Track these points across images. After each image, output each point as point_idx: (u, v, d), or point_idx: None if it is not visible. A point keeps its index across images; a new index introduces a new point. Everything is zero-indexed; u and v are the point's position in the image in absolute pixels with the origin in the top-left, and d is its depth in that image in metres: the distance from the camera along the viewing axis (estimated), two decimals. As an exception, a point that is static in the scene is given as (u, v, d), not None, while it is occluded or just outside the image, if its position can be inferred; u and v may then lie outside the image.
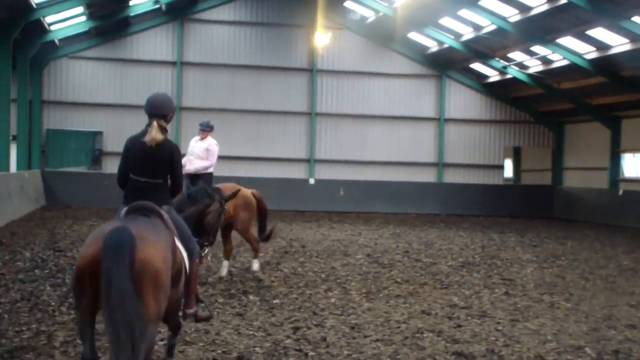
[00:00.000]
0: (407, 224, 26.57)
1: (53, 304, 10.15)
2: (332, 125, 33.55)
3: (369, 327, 9.59)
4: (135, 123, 27.42)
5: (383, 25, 31.93)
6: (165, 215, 6.25)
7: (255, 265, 13.83)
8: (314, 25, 31.78)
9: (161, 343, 8.31)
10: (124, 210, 6.33)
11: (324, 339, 8.79)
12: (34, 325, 8.84)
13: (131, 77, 31.96)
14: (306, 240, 19.68)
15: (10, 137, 25.65)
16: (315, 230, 22.82)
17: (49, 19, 27.76)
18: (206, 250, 7.85)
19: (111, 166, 31.17)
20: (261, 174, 32.16)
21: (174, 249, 5.92)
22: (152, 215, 6.15)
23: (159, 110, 6.69)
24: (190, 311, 6.90)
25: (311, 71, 33.25)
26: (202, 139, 14.43)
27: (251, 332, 9.02)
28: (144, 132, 6.61)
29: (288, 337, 8.87)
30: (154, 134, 6.54)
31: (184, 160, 13.33)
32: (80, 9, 27.96)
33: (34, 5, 24.63)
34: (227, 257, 13.48)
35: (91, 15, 29.17)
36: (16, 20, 24.26)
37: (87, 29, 30.37)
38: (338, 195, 32.28)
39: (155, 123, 6.61)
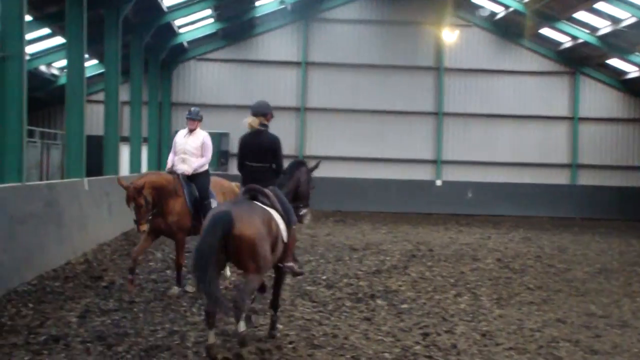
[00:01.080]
0: (538, 228, 25.97)
1: (185, 304, 10.52)
2: (459, 125, 33.18)
3: (501, 334, 9.45)
4: (261, 124, 28.01)
5: (513, 20, 31.33)
6: (270, 194, 8.48)
7: (227, 271, 12.47)
8: (441, 23, 31.54)
9: (290, 346, 8.48)
10: (242, 190, 8.71)
11: (455, 346, 8.74)
12: (167, 325, 9.20)
13: (256, 78, 32.65)
14: (433, 244, 19.55)
15: (142, 139, 26.74)
16: (442, 234, 22.64)
17: (178, 22, 28.75)
18: (303, 211, 9.40)
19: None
20: (386, 176, 32.19)
21: (270, 223, 8.03)
22: (259, 195, 8.41)
23: (260, 110, 8.88)
24: (288, 265, 8.76)
25: (438, 70, 33.00)
26: (191, 131, 12.24)
27: (380, 337, 9.06)
28: (251, 128, 8.83)
29: (417, 343, 8.86)
30: (256, 126, 8.77)
31: (173, 160, 12.15)
32: (208, 12, 28.83)
33: (165, 9, 25.59)
34: None
35: (219, 17, 30.03)
36: (148, 24, 25.31)
37: (214, 30, 31.24)
38: (466, 198, 31.93)
39: (257, 120, 8.80)
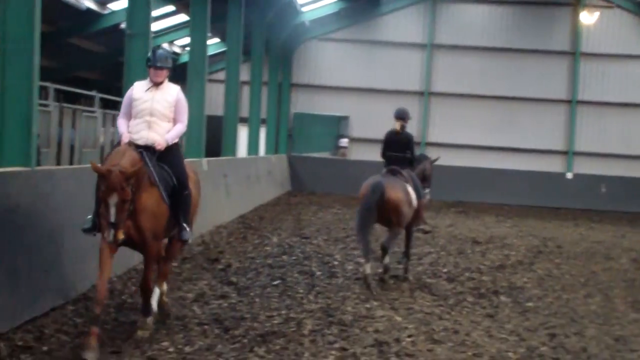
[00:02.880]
0: (679, 228, 24.95)
1: (301, 291, 10.71)
2: (594, 115, 32.21)
3: (637, 340, 9.18)
4: (382, 109, 27.97)
5: (659, 3, 30.14)
6: (406, 174, 12.16)
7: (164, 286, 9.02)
8: (579, 3, 30.65)
9: (409, 340, 8.51)
10: (384, 170, 12.21)
11: (585, 350, 8.55)
12: (283, 312, 9.39)
13: (379, 60, 32.62)
14: (562, 240, 19.13)
15: (260, 120, 27.22)
16: (572, 230, 22.11)
17: (301, 1, 29.03)
18: (427, 190, 13.20)
19: (356, 153, 32.11)
20: (512, 166, 31.58)
21: (408, 193, 11.79)
22: (398, 174, 12.04)
23: (401, 115, 12.52)
24: (419, 227, 12.89)
25: (573, 54, 32.12)
26: (156, 84, 8.36)
27: (503, 336, 8.97)
28: (395, 127, 12.51)
29: (544, 344, 8.72)
30: (398, 128, 12.48)
31: (128, 126, 8.31)
32: (332, -10, 29.02)
33: (289, -13, 25.92)
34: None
35: (342, -4, 30.19)
36: (271, 2, 25.62)
37: (337, 9, 31.41)
38: (599, 192, 30.93)
39: (398, 123, 12.46)
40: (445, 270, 13.35)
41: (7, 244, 6.51)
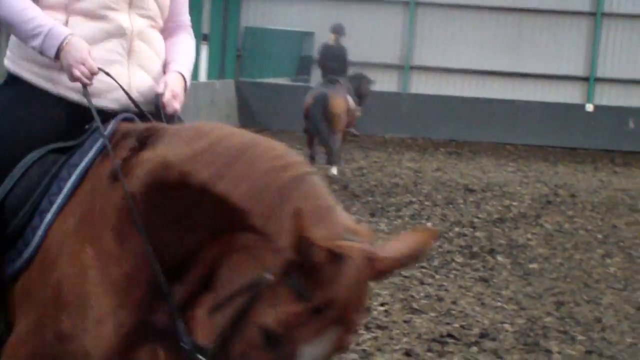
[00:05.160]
0: None
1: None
2: (624, 30, 32.16)
3: (662, 309, 9.37)
4: (356, 22, 27.81)
5: None
6: (342, 81, 17.81)
7: None
8: None
9: (382, 309, 8.60)
10: (323, 79, 18.25)
11: (599, 320, 8.71)
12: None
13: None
14: (577, 188, 19.34)
15: (201, 37, 26.90)
16: (590, 175, 22.34)
17: None
18: (358, 107, 18.76)
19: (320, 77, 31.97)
20: (520, 96, 31.58)
21: (347, 100, 17.47)
22: (336, 82, 17.59)
23: (337, 30, 18.82)
24: (351, 130, 18.89)
25: (597, -45, 32.09)
26: None
27: (499, 304, 9.11)
28: (330, 41, 19.06)
29: (549, 313, 8.87)
30: (332, 41, 18.74)
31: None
32: None
33: None
34: None
35: None
36: None
37: None
38: (625, 129, 31.08)
39: (333, 36, 18.67)
40: (429, 224, 13.46)
41: None
